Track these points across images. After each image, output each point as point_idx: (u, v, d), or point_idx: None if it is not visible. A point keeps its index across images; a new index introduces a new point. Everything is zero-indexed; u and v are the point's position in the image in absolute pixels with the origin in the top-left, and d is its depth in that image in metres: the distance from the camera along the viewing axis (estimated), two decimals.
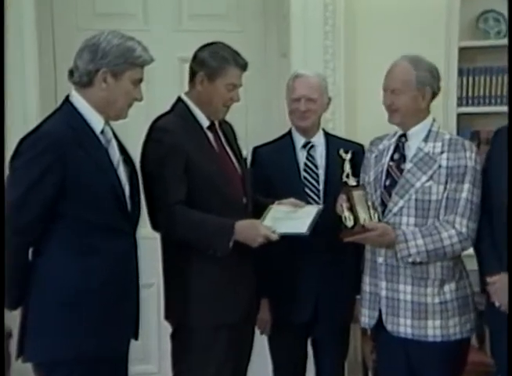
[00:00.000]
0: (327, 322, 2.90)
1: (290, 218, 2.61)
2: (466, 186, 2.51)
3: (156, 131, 2.56)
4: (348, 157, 2.61)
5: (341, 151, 2.64)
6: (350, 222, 2.53)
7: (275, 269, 2.82)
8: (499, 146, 2.51)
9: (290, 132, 3.01)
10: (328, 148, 2.96)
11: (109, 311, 2.27)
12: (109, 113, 2.32)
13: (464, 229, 2.50)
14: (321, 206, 2.70)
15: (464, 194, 2.50)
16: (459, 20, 3.62)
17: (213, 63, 2.58)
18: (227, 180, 2.61)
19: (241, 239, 2.49)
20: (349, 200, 2.55)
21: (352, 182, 2.60)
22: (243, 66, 2.63)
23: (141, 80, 2.36)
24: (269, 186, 2.81)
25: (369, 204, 2.57)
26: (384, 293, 2.59)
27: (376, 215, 2.55)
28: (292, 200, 2.71)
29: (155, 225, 2.58)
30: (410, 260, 2.52)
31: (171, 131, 2.52)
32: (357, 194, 2.56)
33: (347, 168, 2.61)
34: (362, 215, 2.53)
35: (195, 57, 2.64)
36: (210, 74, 2.58)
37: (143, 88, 2.39)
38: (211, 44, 2.64)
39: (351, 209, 2.54)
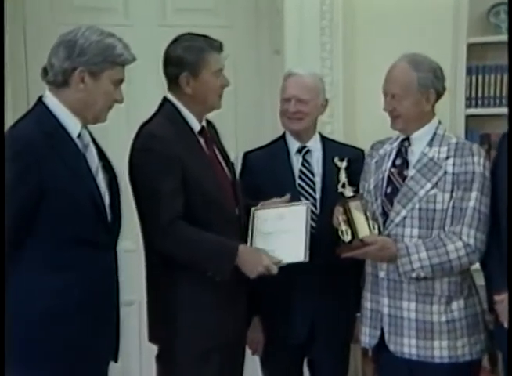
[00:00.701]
0: (324, 341, 2.90)
1: (281, 231, 2.62)
2: (474, 194, 2.51)
3: (147, 139, 2.53)
4: (344, 165, 2.63)
5: (336, 159, 2.66)
6: (347, 237, 2.54)
7: (269, 287, 2.82)
8: (507, 152, 2.50)
9: (283, 136, 3.02)
10: (325, 153, 2.96)
11: (87, 333, 2.25)
12: (86, 115, 2.31)
13: (472, 241, 2.50)
14: (309, 203, 2.70)
15: (472, 203, 2.50)
16: (467, 14, 3.62)
17: (191, 57, 2.57)
18: (221, 191, 2.62)
19: (240, 265, 2.49)
20: (346, 212, 2.56)
21: (349, 192, 2.60)
22: (219, 47, 2.63)
23: (122, 80, 2.35)
24: (261, 195, 2.79)
25: (369, 214, 2.58)
26: (386, 310, 2.60)
27: (376, 227, 2.56)
28: (274, 200, 2.72)
29: (149, 244, 2.58)
30: (414, 275, 2.52)
31: (164, 139, 2.50)
32: (354, 205, 2.57)
33: (343, 177, 2.62)
34: (361, 228, 2.53)
35: (169, 59, 2.62)
36: (193, 71, 2.57)
37: (123, 87, 2.39)
38: (176, 40, 2.63)
39: (349, 222, 2.55)
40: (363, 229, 2.54)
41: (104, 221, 2.31)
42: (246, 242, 2.59)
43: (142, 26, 3.72)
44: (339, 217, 2.57)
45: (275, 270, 2.50)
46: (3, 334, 2.13)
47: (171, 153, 2.49)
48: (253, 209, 2.65)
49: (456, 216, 2.52)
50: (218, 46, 2.62)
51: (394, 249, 2.52)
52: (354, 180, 2.72)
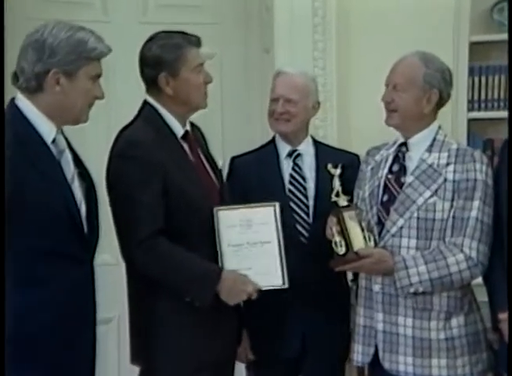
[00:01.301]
0: (318, 355, 2.91)
1: (252, 244, 2.61)
2: (476, 203, 2.52)
3: (127, 145, 2.53)
4: (338, 172, 2.64)
5: (329, 166, 2.67)
6: (342, 249, 2.55)
7: (258, 302, 2.83)
8: (509, 158, 2.51)
9: (273, 140, 3.05)
10: (318, 158, 2.99)
11: (61, 352, 2.24)
12: (66, 118, 2.30)
13: (474, 254, 2.50)
14: (277, 203, 2.66)
15: (474, 213, 2.51)
16: (469, 11, 3.64)
17: (169, 55, 2.57)
18: (208, 200, 2.62)
19: (221, 292, 2.50)
20: (340, 222, 2.57)
21: (343, 201, 2.62)
22: (197, 42, 2.64)
23: (99, 75, 2.34)
24: (249, 202, 2.78)
25: (364, 225, 2.59)
26: (380, 326, 2.61)
27: (372, 239, 2.57)
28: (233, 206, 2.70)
29: (127, 259, 2.56)
30: (412, 290, 2.53)
31: (144, 144, 2.50)
32: (349, 215, 2.58)
33: (337, 185, 2.63)
34: (356, 240, 2.54)
35: (144, 60, 2.62)
36: (172, 70, 2.58)
37: (103, 88, 2.38)
38: (151, 39, 2.63)
39: (343, 233, 2.56)
40: (358, 240, 2.55)
41: (80, 233, 2.30)
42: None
43: (122, 22, 3.73)
44: (332, 227, 2.58)
45: (255, 297, 2.53)
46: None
47: (152, 160, 2.48)
48: (215, 209, 2.61)
49: (457, 227, 2.53)
50: (195, 41, 2.63)
51: (390, 262, 2.53)
52: (348, 187, 2.74)
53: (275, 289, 2.58)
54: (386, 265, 2.53)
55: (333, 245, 2.56)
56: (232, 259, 2.59)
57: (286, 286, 2.58)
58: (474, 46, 3.71)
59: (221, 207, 2.63)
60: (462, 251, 2.51)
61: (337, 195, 2.62)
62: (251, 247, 2.61)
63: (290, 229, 2.80)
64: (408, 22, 3.58)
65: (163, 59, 2.58)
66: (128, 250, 2.53)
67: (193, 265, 2.52)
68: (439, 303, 2.57)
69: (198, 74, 2.62)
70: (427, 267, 2.50)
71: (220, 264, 2.57)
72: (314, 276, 2.81)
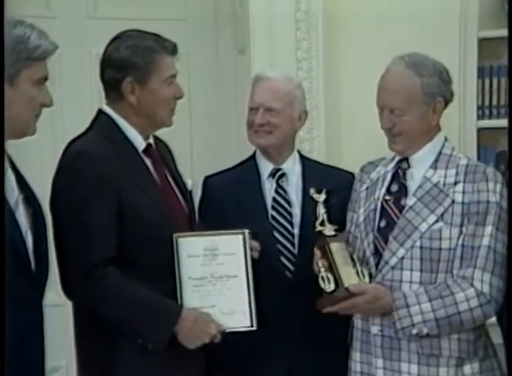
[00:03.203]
0: None
1: (217, 277, 2.63)
2: (489, 229, 2.52)
3: (74, 158, 2.54)
4: (322, 197, 2.67)
5: (312, 191, 2.70)
6: (329, 286, 2.56)
7: (232, 344, 2.82)
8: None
9: (254, 156, 3.07)
10: (305, 178, 3.01)
11: None
12: (9, 131, 2.26)
13: (487, 289, 2.50)
14: (246, 231, 2.68)
15: (486, 240, 2.51)
16: (478, 3, 3.68)
17: (138, 59, 2.58)
18: (173, 226, 2.62)
19: (180, 333, 2.50)
20: (327, 255, 2.59)
21: (329, 230, 2.64)
22: (173, 49, 2.66)
23: (45, 78, 2.32)
24: (225, 228, 2.75)
25: (356, 258, 2.60)
26: (380, 374, 2.62)
27: (366, 273, 2.58)
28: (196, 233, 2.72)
29: (69, 293, 2.56)
30: (414, 332, 2.53)
31: (95, 158, 2.51)
32: (337, 247, 2.60)
33: (322, 212, 2.65)
34: (346, 275, 2.55)
35: (108, 61, 2.62)
36: (140, 77, 2.59)
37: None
38: (118, 37, 2.64)
39: (331, 267, 2.57)
40: (349, 275, 2.56)
41: (27, 269, 2.28)
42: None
43: (68, 18, 3.76)
44: (319, 261, 2.60)
45: (218, 339, 2.55)
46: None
47: (104, 175, 2.49)
48: (175, 235, 2.60)
49: (467, 257, 2.53)
50: (170, 48, 2.65)
51: (388, 299, 2.53)
52: (342, 213, 2.79)
53: (242, 331, 2.60)
54: (383, 303, 2.54)
55: (320, 281, 2.57)
56: (193, 295, 2.60)
57: (255, 328, 2.60)
58: (483, 43, 3.74)
59: (182, 234, 2.63)
60: (472, 285, 2.50)
61: (322, 224, 2.65)
62: (216, 281, 2.63)
63: (273, 261, 2.83)
64: (407, 15, 3.60)
65: (131, 62, 2.59)
66: (71, 282, 2.53)
67: (148, 302, 2.53)
68: (449, 347, 2.57)
69: (169, 87, 2.64)
70: (431, 305, 2.51)
71: (179, 300, 2.58)
72: (300, 314, 2.84)
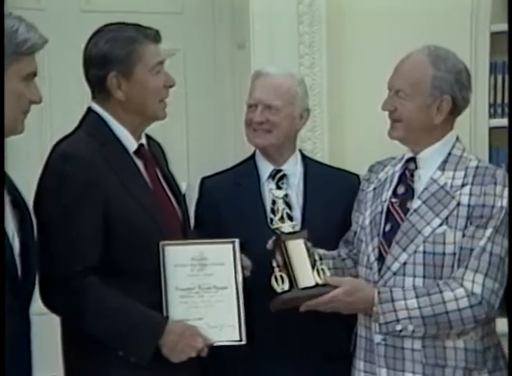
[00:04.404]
0: None
1: (205, 288, 2.61)
2: (488, 231, 2.51)
3: (60, 160, 2.52)
4: (282, 193, 2.69)
5: (271, 186, 2.75)
6: (282, 286, 2.54)
7: (229, 355, 2.79)
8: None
9: (253, 157, 3.06)
10: (306, 180, 3.01)
11: None
12: None
13: (478, 289, 2.48)
14: (236, 240, 2.66)
15: (482, 242, 2.50)
16: None
17: (119, 51, 2.57)
18: (164, 234, 2.60)
19: (165, 347, 2.49)
20: (283, 253, 2.58)
21: (288, 227, 2.63)
22: (155, 35, 2.64)
23: (34, 73, 2.31)
24: (222, 233, 2.81)
25: (317, 256, 2.58)
26: None
27: (327, 273, 2.56)
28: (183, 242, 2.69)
29: (46, 302, 2.54)
30: (398, 328, 2.51)
31: (82, 160, 2.50)
32: (294, 245, 2.59)
33: (281, 208, 2.65)
34: (303, 274, 2.53)
35: (90, 59, 2.61)
36: (124, 69, 2.57)
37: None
38: (97, 33, 2.63)
39: (286, 267, 2.56)
40: (305, 276, 2.55)
41: (13, 278, 2.27)
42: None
43: (58, 10, 3.76)
44: (273, 260, 2.59)
45: (205, 353, 2.53)
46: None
47: (91, 180, 2.48)
48: (161, 243, 2.59)
49: (463, 259, 2.52)
50: (153, 34, 2.63)
51: (370, 291, 2.53)
52: (345, 215, 2.81)
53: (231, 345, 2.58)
54: (364, 294, 2.54)
55: (273, 281, 2.56)
56: (180, 307, 2.58)
57: (244, 342, 2.58)
58: (495, 37, 3.72)
59: (169, 242, 2.61)
60: (462, 285, 2.50)
61: (282, 219, 2.65)
62: (203, 292, 2.61)
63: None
64: (415, 8, 3.59)
65: (112, 55, 2.57)
66: (49, 290, 2.51)
67: (131, 313, 2.51)
68: (455, 357, 2.55)
69: (157, 76, 2.62)
70: (417, 301, 2.50)
71: (165, 312, 2.56)
72: (300, 322, 2.81)
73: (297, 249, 2.58)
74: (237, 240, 2.64)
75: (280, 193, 2.68)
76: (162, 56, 2.65)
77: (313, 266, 2.57)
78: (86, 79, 2.65)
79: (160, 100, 2.65)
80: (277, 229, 2.64)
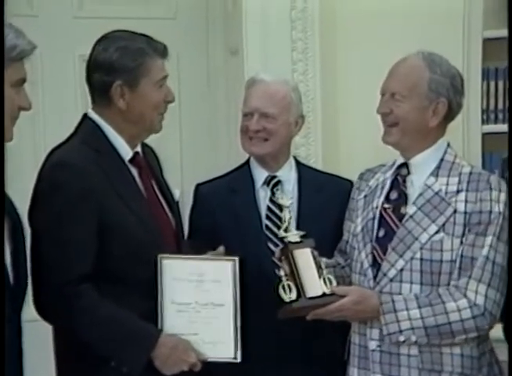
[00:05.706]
0: None
1: (202, 304, 2.62)
2: (489, 239, 2.52)
3: (54, 168, 2.53)
4: (289, 202, 2.69)
5: (278, 194, 2.74)
6: (290, 295, 2.54)
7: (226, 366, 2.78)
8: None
9: (247, 163, 3.07)
10: (301, 186, 3.02)
11: None
12: None
13: (481, 300, 2.50)
14: (237, 260, 2.66)
15: (484, 251, 2.51)
16: (483, 1, 3.66)
17: (128, 62, 2.57)
18: (159, 241, 2.62)
19: (157, 359, 2.50)
20: (290, 263, 2.59)
21: (294, 237, 2.63)
22: (164, 51, 2.65)
23: (24, 80, 2.30)
24: (216, 240, 2.81)
25: (323, 265, 2.59)
26: None
27: (333, 282, 2.57)
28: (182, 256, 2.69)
29: (40, 310, 2.54)
30: (401, 339, 2.52)
31: (78, 168, 2.50)
32: (301, 254, 2.59)
33: (287, 218, 2.65)
34: (310, 283, 2.54)
35: (96, 63, 2.60)
36: (131, 80, 2.58)
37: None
38: (107, 38, 2.63)
39: (293, 276, 2.56)
40: (313, 284, 2.55)
41: (5, 284, 2.25)
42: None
43: (51, 16, 3.75)
44: (280, 270, 2.60)
45: (198, 368, 2.54)
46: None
47: (86, 189, 2.49)
48: (160, 256, 2.59)
49: (465, 268, 2.53)
50: (161, 50, 2.64)
51: (375, 300, 2.54)
52: (339, 221, 2.82)
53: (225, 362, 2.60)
54: (372, 303, 2.54)
55: (280, 291, 2.56)
56: (176, 320, 2.59)
57: (239, 360, 2.59)
58: (488, 43, 3.72)
59: (167, 256, 2.62)
60: (465, 295, 2.51)
61: (286, 230, 2.65)
62: (200, 308, 2.62)
63: (267, 276, 2.81)
64: (408, 14, 3.60)
65: (120, 64, 2.58)
66: (42, 298, 2.51)
67: (124, 322, 2.52)
68: (451, 363, 2.56)
69: (159, 90, 2.63)
70: (420, 311, 2.51)
71: (159, 324, 2.57)
72: (297, 331, 2.83)
73: (305, 258, 2.59)
74: (237, 259, 2.65)
75: (287, 202, 2.68)
76: (166, 71, 2.67)
77: (320, 275, 2.57)
78: (87, 83, 2.66)
79: (159, 114, 2.67)
80: (284, 238, 2.64)
